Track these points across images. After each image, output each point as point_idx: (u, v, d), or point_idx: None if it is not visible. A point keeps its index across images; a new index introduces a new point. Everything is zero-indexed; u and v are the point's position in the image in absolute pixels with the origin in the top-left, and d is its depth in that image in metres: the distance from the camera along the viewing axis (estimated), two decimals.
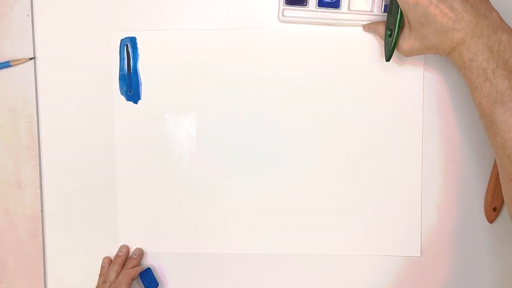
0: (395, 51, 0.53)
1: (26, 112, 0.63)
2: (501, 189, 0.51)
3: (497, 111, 0.46)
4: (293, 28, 0.60)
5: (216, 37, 0.61)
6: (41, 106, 0.63)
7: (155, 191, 0.62)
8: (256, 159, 0.61)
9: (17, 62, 0.62)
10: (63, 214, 0.63)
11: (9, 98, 0.63)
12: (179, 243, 0.63)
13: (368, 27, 0.58)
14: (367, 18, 0.58)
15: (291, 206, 0.61)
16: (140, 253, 0.62)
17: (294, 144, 0.61)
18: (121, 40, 0.61)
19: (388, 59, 0.54)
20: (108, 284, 0.59)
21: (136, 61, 0.62)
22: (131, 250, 0.63)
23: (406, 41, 0.51)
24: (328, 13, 0.58)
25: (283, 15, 0.59)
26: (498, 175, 0.53)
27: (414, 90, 0.59)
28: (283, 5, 0.58)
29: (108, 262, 0.62)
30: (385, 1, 0.57)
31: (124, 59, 0.62)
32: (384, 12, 0.57)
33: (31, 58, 0.62)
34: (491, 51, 0.46)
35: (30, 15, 0.62)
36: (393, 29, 0.52)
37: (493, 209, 0.59)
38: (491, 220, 0.59)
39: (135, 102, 0.62)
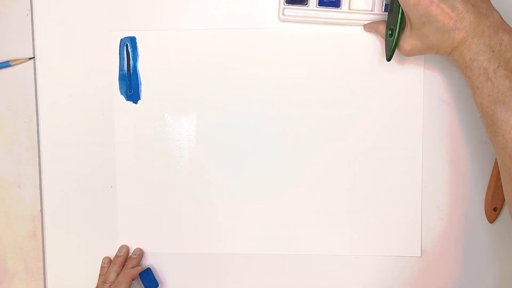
0: (396, 50, 0.53)
1: (25, 112, 0.63)
2: (501, 189, 0.51)
3: (498, 111, 0.46)
4: (294, 27, 0.60)
5: (216, 37, 0.60)
6: (40, 106, 0.63)
7: (155, 191, 0.62)
8: (256, 159, 0.61)
9: (17, 62, 0.61)
10: (63, 214, 0.63)
11: (9, 98, 0.63)
12: (179, 243, 0.63)
13: (369, 27, 0.57)
14: (367, 18, 0.57)
15: (291, 206, 0.61)
16: (140, 253, 0.62)
17: (294, 144, 0.61)
18: (121, 40, 0.61)
19: (389, 59, 0.54)
20: (108, 284, 0.59)
21: (136, 61, 0.61)
22: (131, 250, 0.63)
23: (407, 41, 0.51)
24: (328, 12, 0.58)
25: (283, 15, 0.59)
26: (499, 175, 0.53)
27: (414, 90, 0.59)
28: (284, 4, 0.58)
29: (108, 262, 0.62)
30: (385, 0, 0.57)
31: (124, 59, 0.62)
32: (384, 11, 0.57)
33: (30, 58, 0.62)
34: (493, 51, 0.46)
35: (29, 14, 0.62)
36: (394, 29, 0.52)
37: (494, 209, 0.59)
38: (491, 220, 0.59)
39: (135, 102, 0.62)
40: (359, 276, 0.62)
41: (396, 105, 0.60)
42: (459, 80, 0.58)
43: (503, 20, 0.47)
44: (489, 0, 0.48)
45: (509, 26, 0.47)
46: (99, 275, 0.63)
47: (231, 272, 0.63)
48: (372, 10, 0.57)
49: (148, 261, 0.63)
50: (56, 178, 0.63)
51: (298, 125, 0.61)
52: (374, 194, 0.61)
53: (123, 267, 0.61)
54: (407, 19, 0.50)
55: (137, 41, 0.61)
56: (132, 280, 0.60)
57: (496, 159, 0.57)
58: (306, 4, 0.58)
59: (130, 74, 0.62)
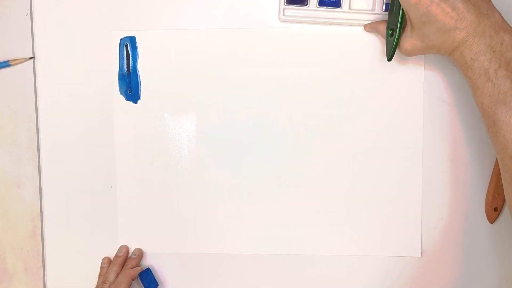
0: (397, 50, 0.53)
1: (25, 111, 0.62)
2: (502, 189, 0.51)
3: (499, 111, 0.46)
4: (294, 27, 0.59)
5: (216, 37, 0.60)
6: (40, 105, 0.63)
7: (155, 191, 0.62)
8: (256, 159, 0.61)
9: (16, 61, 0.61)
10: (62, 214, 0.63)
11: (8, 98, 0.62)
12: (178, 244, 0.63)
13: (370, 27, 0.57)
14: (368, 17, 0.57)
15: (292, 206, 0.61)
16: (140, 254, 0.62)
17: (294, 144, 0.61)
18: (121, 39, 0.61)
19: (390, 59, 0.54)
20: (108, 285, 0.59)
21: (136, 61, 0.61)
22: (131, 251, 0.63)
23: (408, 41, 0.51)
24: (329, 13, 0.58)
25: (283, 15, 0.58)
26: (499, 175, 0.53)
27: (414, 90, 0.59)
28: (284, 4, 0.58)
29: (107, 263, 0.62)
30: (386, 0, 0.57)
31: (123, 58, 0.61)
32: (385, 11, 0.57)
33: (30, 58, 0.62)
34: (493, 51, 0.46)
35: (29, 14, 0.61)
36: (394, 29, 0.52)
37: (494, 209, 0.59)
38: (492, 220, 0.59)
39: (135, 101, 0.62)
40: (359, 276, 0.62)
41: (396, 105, 0.60)
42: (459, 80, 0.58)
43: (504, 20, 0.47)
44: (490, 0, 0.47)
45: (510, 26, 0.47)
46: (99, 275, 0.63)
47: (231, 272, 0.63)
48: (372, 10, 0.57)
49: (147, 261, 0.63)
50: (56, 178, 0.63)
51: (298, 125, 0.61)
52: (374, 194, 0.61)
53: (122, 267, 0.61)
54: (407, 19, 0.50)
55: (136, 41, 0.61)
56: (132, 280, 0.60)
57: (496, 159, 0.57)
58: (307, 4, 0.58)
59: (129, 74, 0.62)
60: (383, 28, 0.55)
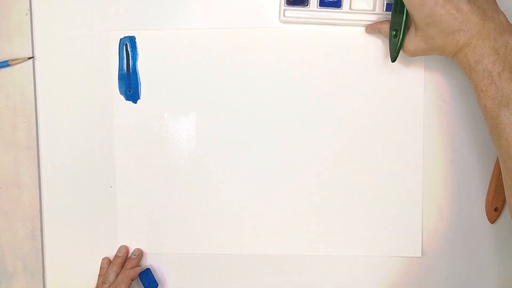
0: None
1: (24, 111, 0.62)
2: (502, 189, 0.51)
3: (502, 114, 0.46)
4: (294, 28, 0.59)
5: (217, 37, 0.60)
6: (39, 105, 0.62)
7: (155, 191, 0.62)
8: (256, 159, 0.61)
9: (16, 61, 0.61)
10: (62, 214, 0.63)
11: (8, 98, 0.62)
12: (178, 244, 0.63)
13: (371, 29, 0.57)
14: (369, 18, 0.57)
15: (292, 207, 0.61)
16: (140, 254, 0.62)
17: (294, 144, 0.61)
18: (120, 39, 0.61)
19: (393, 60, 0.54)
20: (108, 285, 0.59)
21: (136, 61, 0.61)
22: (131, 251, 0.63)
23: (412, 42, 0.51)
24: (329, 13, 0.58)
25: (284, 16, 0.58)
26: (499, 175, 0.53)
27: (415, 89, 0.59)
28: (284, 5, 0.58)
29: (107, 263, 0.62)
30: (386, 0, 0.56)
31: (123, 58, 0.61)
32: (386, 11, 0.57)
33: (30, 58, 0.62)
34: (497, 53, 0.46)
35: (29, 14, 0.61)
36: (398, 30, 0.52)
37: (494, 209, 0.59)
38: (492, 220, 0.59)
39: (134, 101, 0.62)
40: (359, 276, 0.62)
41: (396, 105, 0.60)
42: (460, 81, 0.58)
43: (509, 22, 0.47)
44: (495, 2, 0.47)
45: None
46: (99, 275, 0.63)
47: (230, 272, 0.63)
48: (373, 10, 0.57)
49: (147, 262, 0.63)
50: (56, 178, 0.63)
51: (298, 125, 0.60)
52: (375, 194, 0.61)
53: (122, 267, 0.61)
54: (412, 20, 0.50)
55: (136, 40, 0.61)
56: (132, 280, 0.60)
57: (497, 159, 0.57)
58: (307, 5, 0.58)
59: (129, 73, 0.61)
60: (385, 28, 0.55)
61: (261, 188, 0.61)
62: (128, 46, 0.61)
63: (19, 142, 0.63)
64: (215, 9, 0.60)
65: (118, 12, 0.61)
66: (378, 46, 0.59)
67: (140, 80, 0.61)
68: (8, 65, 0.61)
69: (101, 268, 0.63)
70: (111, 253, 0.63)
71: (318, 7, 0.58)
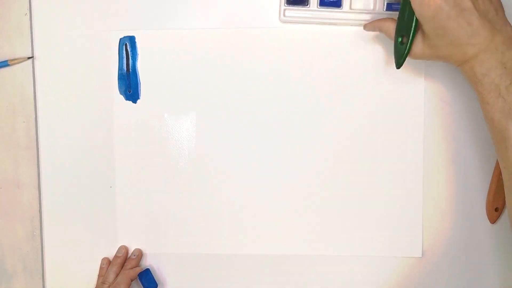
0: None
1: (24, 111, 0.62)
2: (503, 189, 0.51)
3: (510, 127, 0.45)
4: (294, 28, 0.59)
5: (216, 37, 0.60)
6: (39, 105, 0.62)
7: (154, 191, 0.62)
8: (256, 159, 0.61)
9: (15, 61, 0.61)
10: (61, 214, 0.63)
11: (7, 98, 0.62)
12: (178, 244, 0.63)
13: (372, 26, 0.56)
14: (369, 17, 0.57)
15: (292, 207, 0.61)
16: (139, 254, 0.62)
17: (294, 145, 0.61)
18: (120, 39, 0.61)
19: (398, 67, 0.53)
20: (107, 285, 0.59)
21: (135, 60, 0.61)
22: (130, 251, 0.63)
23: (418, 47, 0.50)
24: (329, 13, 0.58)
25: (284, 16, 0.58)
26: (500, 175, 0.53)
27: (415, 89, 0.59)
28: (284, 5, 0.58)
29: (107, 263, 0.62)
30: (387, 0, 0.56)
31: (123, 58, 0.61)
32: (386, 10, 0.57)
33: (29, 58, 0.62)
34: (505, 67, 0.45)
35: (28, 14, 0.61)
36: (405, 36, 0.50)
37: (495, 210, 0.59)
38: (492, 220, 0.59)
39: (134, 101, 0.62)
40: (359, 276, 0.62)
41: (397, 105, 0.60)
42: (460, 81, 0.58)
43: None
44: (504, 13, 0.47)
45: None
46: (98, 275, 0.63)
47: (230, 272, 0.62)
48: (373, 9, 0.57)
49: (147, 262, 0.63)
50: (55, 178, 0.63)
51: (298, 125, 0.60)
52: (375, 194, 0.60)
53: (122, 267, 0.61)
54: (420, 28, 0.49)
55: (136, 40, 0.61)
56: (131, 280, 0.60)
57: (497, 160, 0.57)
58: (307, 5, 0.58)
59: (129, 73, 0.61)
60: (386, 27, 0.54)
61: (261, 188, 0.61)
62: (128, 46, 0.61)
63: (19, 142, 0.62)
64: (215, 9, 0.60)
65: (118, 12, 0.61)
66: (379, 45, 0.59)
67: (140, 80, 0.61)
68: (8, 65, 0.61)
69: (100, 268, 0.63)
70: (111, 253, 0.63)
71: (318, 6, 0.58)
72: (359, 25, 0.58)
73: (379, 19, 0.55)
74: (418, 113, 0.59)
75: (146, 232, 0.63)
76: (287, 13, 0.58)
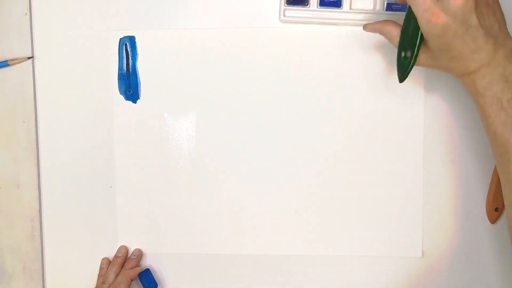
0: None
1: (24, 111, 0.62)
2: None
3: None
4: (294, 28, 0.59)
5: (216, 37, 0.60)
6: (39, 105, 0.62)
7: (154, 191, 0.62)
8: (256, 160, 0.61)
9: (15, 61, 0.61)
10: (61, 214, 0.63)
11: (7, 98, 0.62)
12: (178, 244, 0.63)
13: (373, 28, 0.55)
14: (369, 17, 0.57)
15: (292, 207, 0.61)
16: (139, 254, 0.62)
17: (294, 145, 0.61)
18: (120, 39, 0.61)
19: (401, 81, 0.52)
20: (107, 285, 0.59)
21: (135, 60, 0.61)
22: (130, 251, 0.63)
23: (420, 58, 0.49)
24: (329, 13, 0.58)
25: (284, 16, 0.58)
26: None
27: (415, 89, 0.59)
28: (284, 5, 0.58)
29: (107, 263, 0.62)
30: (387, 0, 0.56)
31: (123, 58, 0.61)
32: (386, 10, 0.57)
33: (29, 57, 0.62)
34: (506, 81, 0.45)
35: (28, 14, 0.61)
36: (408, 51, 0.49)
37: (495, 210, 0.59)
38: (492, 220, 0.59)
39: (134, 101, 0.62)
40: (359, 276, 0.62)
41: (397, 105, 0.60)
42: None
43: None
44: (506, 26, 0.46)
45: None
46: (98, 275, 0.62)
47: (230, 272, 0.62)
48: (373, 10, 0.57)
49: (147, 262, 0.63)
50: (55, 178, 0.63)
51: (298, 125, 0.60)
52: (375, 194, 0.60)
53: (122, 267, 0.61)
54: (425, 42, 0.48)
55: (136, 40, 0.61)
56: (131, 281, 0.60)
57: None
58: (307, 5, 0.58)
59: (129, 73, 0.61)
60: (388, 30, 0.52)
61: (261, 188, 0.61)
62: (128, 46, 0.61)
63: (19, 142, 0.62)
64: (215, 9, 0.60)
65: (118, 12, 0.61)
66: (379, 46, 0.59)
67: (140, 80, 0.61)
68: (8, 65, 0.61)
69: (100, 268, 0.62)
70: (111, 253, 0.63)
71: (318, 6, 0.58)
72: (359, 25, 0.58)
73: (380, 21, 0.54)
74: (418, 113, 0.59)
75: (146, 232, 0.63)
76: (287, 13, 0.58)
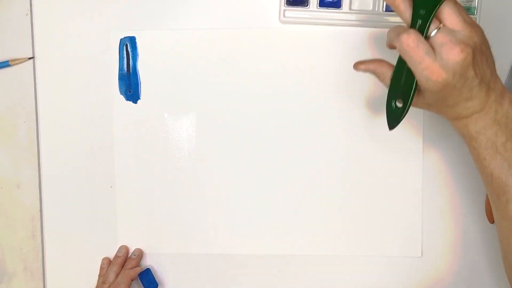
0: None
1: (25, 112, 0.62)
2: None
3: (510, 182, 0.45)
4: (294, 28, 0.59)
5: (217, 37, 0.60)
6: (40, 105, 0.62)
7: (155, 191, 0.62)
8: (256, 159, 0.61)
9: (16, 61, 0.61)
10: (62, 214, 0.63)
11: (8, 98, 0.62)
12: (178, 244, 0.63)
13: (366, 67, 0.51)
14: (368, 18, 0.57)
15: (292, 207, 0.61)
16: (140, 254, 0.62)
17: (293, 145, 0.61)
18: (121, 39, 0.61)
19: (391, 129, 0.50)
20: (108, 285, 0.59)
21: (136, 61, 0.61)
22: (131, 251, 0.63)
23: (413, 102, 0.47)
24: (329, 13, 0.58)
25: (284, 16, 0.58)
26: None
27: None
28: (284, 5, 0.58)
29: (107, 263, 0.62)
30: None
31: (123, 58, 0.61)
32: (385, 11, 0.57)
33: (30, 58, 0.62)
34: (499, 124, 0.45)
35: (29, 14, 0.61)
36: (399, 100, 0.47)
37: None
38: (492, 220, 0.59)
39: (135, 101, 0.62)
40: (359, 276, 0.62)
41: None
42: None
43: (504, 87, 0.46)
44: (495, 68, 0.46)
45: (509, 93, 0.46)
46: (99, 275, 0.62)
47: (230, 273, 0.62)
48: (373, 10, 0.57)
49: (147, 262, 0.63)
50: (56, 178, 0.63)
51: (298, 125, 0.60)
52: (375, 194, 0.61)
53: (122, 267, 0.61)
54: (419, 91, 0.46)
55: (136, 40, 0.61)
56: (132, 280, 0.60)
57: None
58: (307, 5, 0.58)
59: (129, 74, 0.61)
60: (383, 73, 0.49)
61: (261, 188, 0.61)
62: (128, 46, 0.61)
63: (19, 142, 0.63)
64: (215, 9, 0.60)
65: (118, 12, 0.61)
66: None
67: (140, 80, 0.61)
68: (9, 65, 0.61)
69: (101, 268, 0.63)
70: (111, 253, 0.63)
71: (318, 7, 0.58)
72: (359, 25, 0.58)
73: (374, 61, 0.51)
74: (418, 113, 0.59)
75: (146, 232, 0.63)
76: (287, 13, 0.58)
